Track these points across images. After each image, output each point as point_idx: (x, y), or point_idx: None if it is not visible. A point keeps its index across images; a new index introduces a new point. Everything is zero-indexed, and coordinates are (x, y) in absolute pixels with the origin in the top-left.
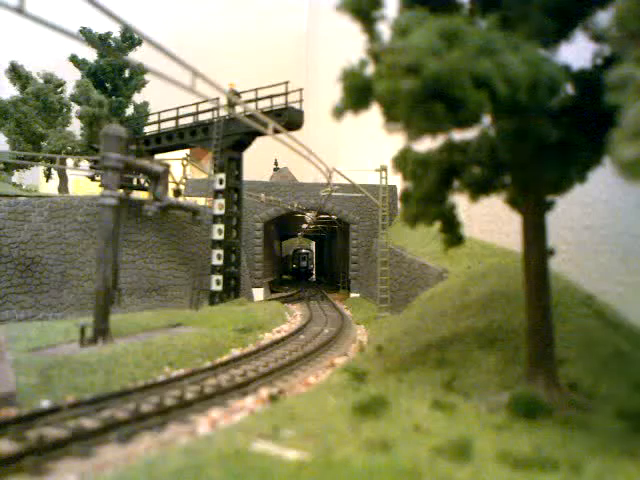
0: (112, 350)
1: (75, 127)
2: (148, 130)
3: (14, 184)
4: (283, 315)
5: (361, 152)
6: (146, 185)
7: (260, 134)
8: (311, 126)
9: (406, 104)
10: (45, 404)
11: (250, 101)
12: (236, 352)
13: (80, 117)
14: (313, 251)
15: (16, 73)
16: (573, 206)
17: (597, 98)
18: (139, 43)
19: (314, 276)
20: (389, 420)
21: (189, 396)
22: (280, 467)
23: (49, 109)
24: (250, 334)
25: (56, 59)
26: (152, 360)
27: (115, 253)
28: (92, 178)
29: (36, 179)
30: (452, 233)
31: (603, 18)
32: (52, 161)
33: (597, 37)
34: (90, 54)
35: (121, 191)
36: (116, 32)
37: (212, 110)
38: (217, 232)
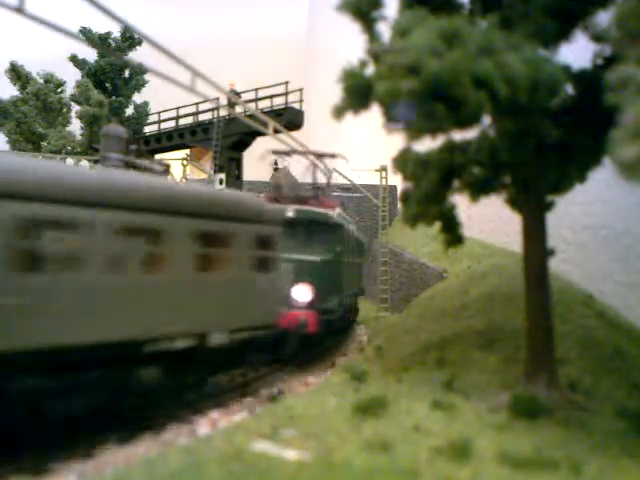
0: None
1: (75, 127)
2: (148, 130)
3: None
4: None
5: (361, 152)
6: None
7: (260, 134)
8: (311, 126)
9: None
10: None
11: (250, 101)
12: None
13: (80, 117)
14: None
15: (16, 73)
16: (573, 206)
17: (597, 98)
18: (139, 43)
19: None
20: (389, 420)
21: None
22: (280, 467)
23: (49, 109)
24: None
25: (56, 59)
26: None
27: None
28: None
29: None
30: (452, 233)
31: (603, 18)
32: None
33: (597, 37)
34: (90, 54)
35: None
36: (116, 32)
37: (212, 110)
38: None
